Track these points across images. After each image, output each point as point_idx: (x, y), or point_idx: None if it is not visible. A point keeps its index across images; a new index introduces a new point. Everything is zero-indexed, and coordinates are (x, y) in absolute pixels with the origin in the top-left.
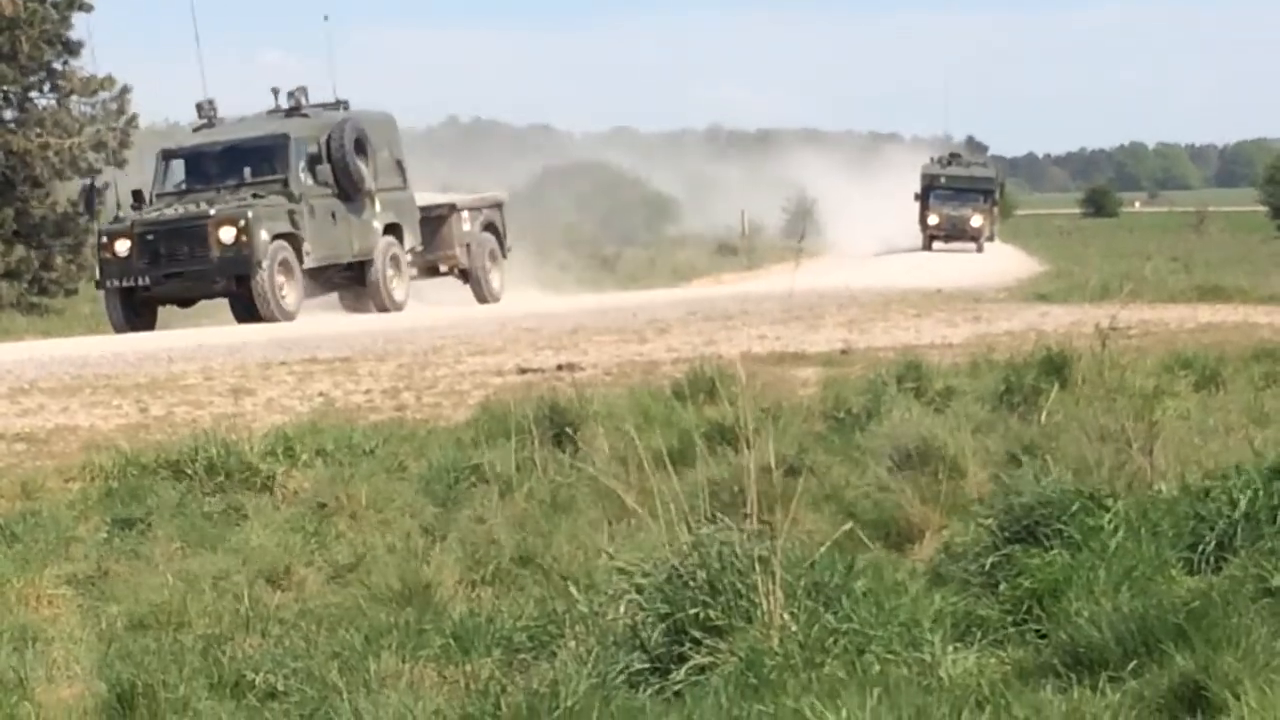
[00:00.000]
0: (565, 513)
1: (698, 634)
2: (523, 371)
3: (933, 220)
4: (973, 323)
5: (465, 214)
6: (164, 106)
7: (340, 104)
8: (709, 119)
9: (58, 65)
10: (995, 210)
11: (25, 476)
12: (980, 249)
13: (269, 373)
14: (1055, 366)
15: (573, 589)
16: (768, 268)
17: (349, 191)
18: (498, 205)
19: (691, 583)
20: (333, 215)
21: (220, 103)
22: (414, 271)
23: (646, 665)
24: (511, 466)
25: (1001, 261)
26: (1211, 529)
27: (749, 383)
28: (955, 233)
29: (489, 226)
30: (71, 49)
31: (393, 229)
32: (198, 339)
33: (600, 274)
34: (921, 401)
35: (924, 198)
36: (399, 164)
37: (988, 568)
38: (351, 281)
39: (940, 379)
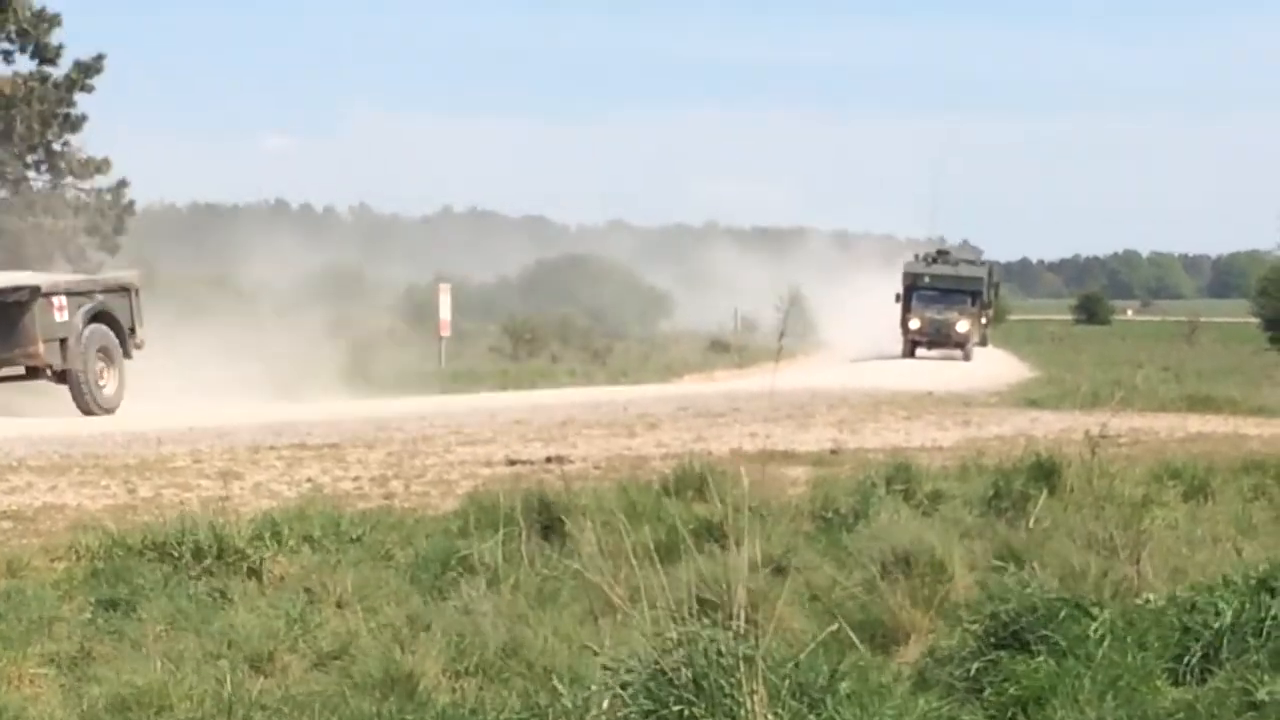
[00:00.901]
0: (551, 606)
1: None
2: (511, 463)
3: (914, 324)
4: (963, 426)
5: (58, 300)
6: (161, 188)
7: None
8: (705, 215)
9: (56, 145)
10: (988, 313)
11: (10, 555)
12: (967, 357)
13: (257, 457)
14: (1044, 472)
15: (557, 683)
16: (760, 365)
17: None
18: (123, 290)
19: (676, 680)
20: None
21: (218, 187)
22: None
23: None
24: (499, 558)
25: (992, 366)
26: (1197, 640)
27: (737, 480)
28: (939, 338)
29: (102, 316)
30: (73, 125)
31: None
32: (188, 422)
33: (591, 367)
34: (910, 504)
35: (905, 299)
36: None
37: (973, 673)
38: None
39: (929, 482)
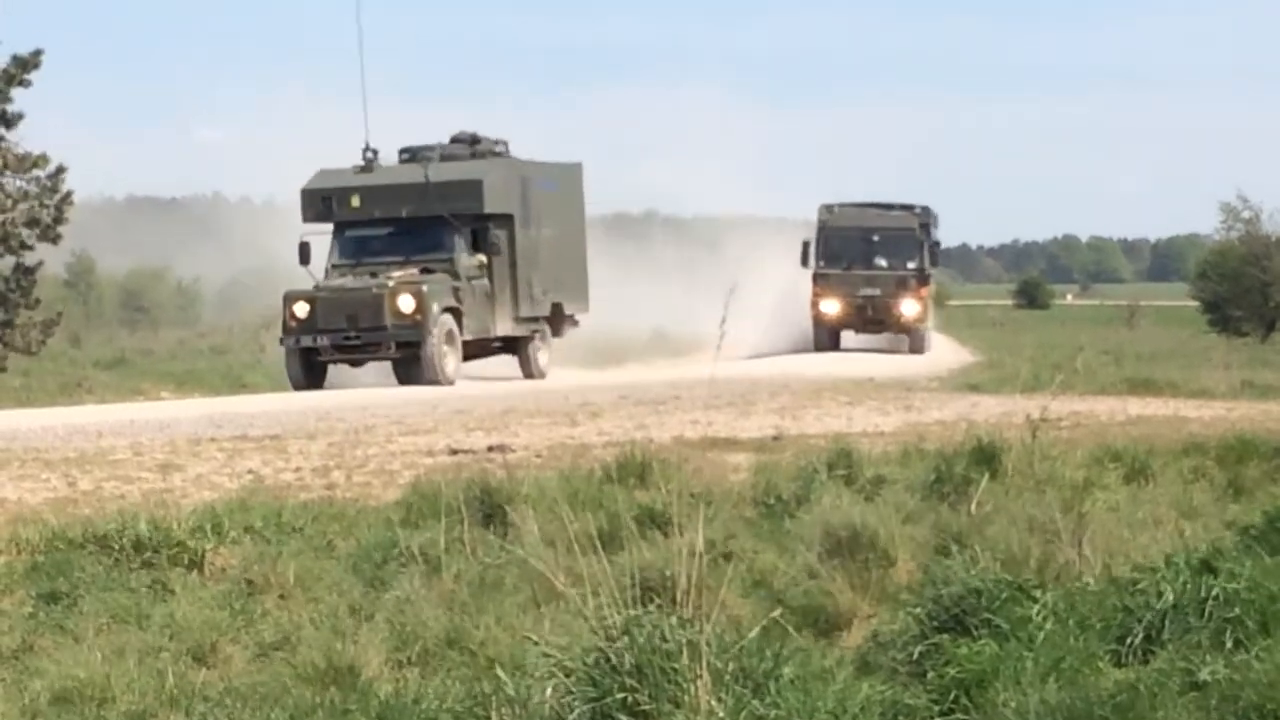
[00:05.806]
0: (493, 594)
1: (625, 719)
2: (454, 452)
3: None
4: (904, 411)
5: None
6: (100, 181)
7: None
8: (646, 203)
9: None
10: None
11: None
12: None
13: (199, 449)
14: (986, 456)
15: (500, 671)
16: (699, 355)
17: None
18: None
19: (619, 667)
20: None
21: (150, 181)
22: None
23: None
24: (440, 547)
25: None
26: (1139, 621)
27: (680, 467)
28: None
29: None
30: (9, 122)
31: None
32: (129, 414)
33: None
34: (852, 489)
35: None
36: None
37: (916, 656)
38: None
39: (871, 467)
